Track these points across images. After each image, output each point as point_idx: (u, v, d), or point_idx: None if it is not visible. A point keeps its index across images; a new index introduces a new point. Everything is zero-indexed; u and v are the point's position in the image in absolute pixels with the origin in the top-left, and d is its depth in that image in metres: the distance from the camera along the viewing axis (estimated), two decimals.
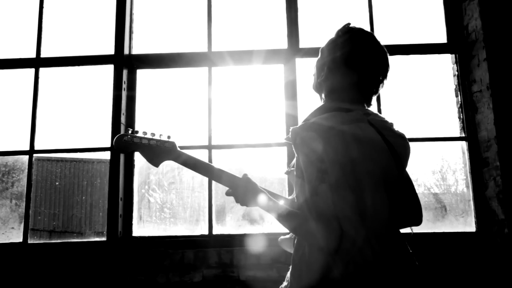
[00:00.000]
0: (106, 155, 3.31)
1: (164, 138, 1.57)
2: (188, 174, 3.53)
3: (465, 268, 2.96)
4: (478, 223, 3.16)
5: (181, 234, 3.21)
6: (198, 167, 1.55)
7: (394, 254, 1.33)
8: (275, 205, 1.38)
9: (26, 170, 3.30)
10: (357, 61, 1.44)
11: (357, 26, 1.51)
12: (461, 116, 3.36)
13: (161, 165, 1.60)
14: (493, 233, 3.07)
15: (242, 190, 1.46)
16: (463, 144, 3.34)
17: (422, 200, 3.39)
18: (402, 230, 1.55)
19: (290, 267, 1.40)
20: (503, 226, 2.97)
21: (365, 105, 1.52)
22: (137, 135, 1.53)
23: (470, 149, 3.26)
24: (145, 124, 3.43)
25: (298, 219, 1.28)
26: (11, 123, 3.54)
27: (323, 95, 1.56)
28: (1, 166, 3.47)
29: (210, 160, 3.27)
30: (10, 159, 3.48)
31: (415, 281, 1.35)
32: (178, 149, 1.57)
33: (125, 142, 1.52)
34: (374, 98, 1.56)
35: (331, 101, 1.51)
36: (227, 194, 1.53)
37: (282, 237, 1.63)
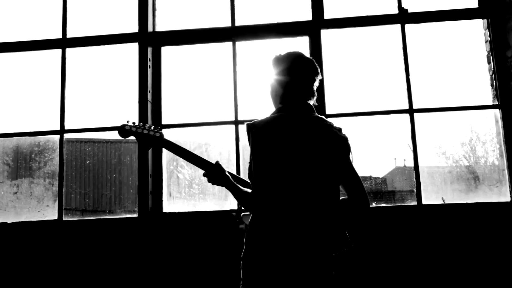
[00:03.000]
0: None
1: (155, 129, 1.97)
2: (216, 150, 3.54)
3: (499, 239, 2.90)
4: None
5: (210, 210, 3.24)
6: (180, 153, 1.95)
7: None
8: (234, 186, 1.83)
9: (58, 150, 3.37)
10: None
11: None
12: (494, 84, 3.25)
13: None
14: None
15: (213, 173, 1.88)
16: (496, 113, 3.23)
17: (454, 170, 3.33)
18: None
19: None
20: None
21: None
22: (135, 124, 1.96)
23: (504, 117, 3.16)
24: (171, 101, 3.44)
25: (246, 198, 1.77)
26: (41, 104, 3.60)
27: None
28: (34, 146, 3.55)
29: (237, 135, 3.27)
30: (42, 139, 3.56)
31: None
32: (165, 138, 1.96)
33: (124, 130, 1.93)
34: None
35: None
36: (204, 175, 1.92)
37: (243, 213, 2.02)
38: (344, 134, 1.85)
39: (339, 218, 1.75)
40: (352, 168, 1.82)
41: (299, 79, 1.84)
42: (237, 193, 1.81)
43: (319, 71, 1.89)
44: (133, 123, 1.96)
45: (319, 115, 1.85)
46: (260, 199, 1.69)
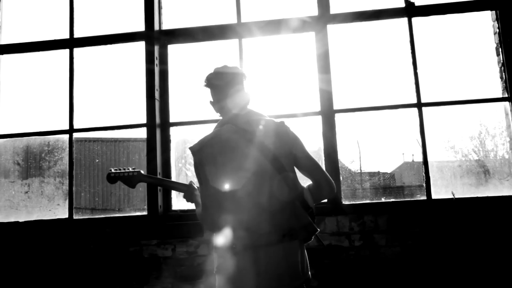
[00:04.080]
0: (142, 134, 3.36)
1: (132, 170, 2.26)
2: None
3: (510, 232, 2.88)
4: None
5: None
6: (160, 183, 2.20)
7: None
8: (196, 204, 2.04)
9: (67, 149, 3.40)
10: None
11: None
12: (504, 76, 3.22)
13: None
14: None
15: (188, 194, 2.11)
16: (506, 105, 3.21)
17: (463, 164, 3.31)
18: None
19: None
20: None
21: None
22: (116, 171, 2.27)
23: None
24: (178, 98, 3.45)
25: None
26: (50, 104, 3.63)
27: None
28: (44, 146, 3.59)
29: None
30: (51, 138, 3.59)
31: None
32: (142, 174, 2.23)
33: (110, 176, 2.22)
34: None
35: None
36: (183, 197, 2.14)
37: None
38: (287, 126, 1.92)
39: (295, 207, 1.85)
40: (307, 156, 1.89)
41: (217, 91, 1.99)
42: (196, 209, 2.03)
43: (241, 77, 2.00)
44: (115, 169, 2.29)
45: (258, 117, 1.94)
46: (206, 216, 1.87)
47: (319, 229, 1.93)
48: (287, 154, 1.85)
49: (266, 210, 1.79)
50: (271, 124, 1.89)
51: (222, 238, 1.83)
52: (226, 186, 1.81)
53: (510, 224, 2.90)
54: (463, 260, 2.90)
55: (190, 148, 1.92)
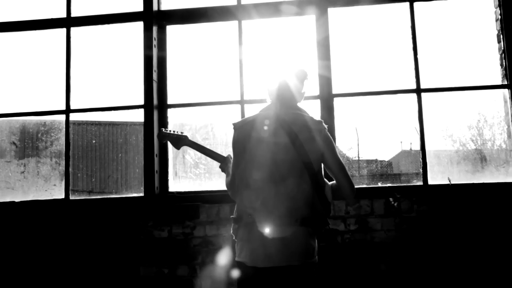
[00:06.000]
0: (140, 117, 3.32)
1: (180, 133, 2.42)
2: (222, 130, 3.54)
3: (506, 219, 2.90)
4: None
5: (216, 189, 3.25)
6: (202, 150, 2.40)
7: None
8: (227, 176, 2.23)
9: (64, 129, 3.38)
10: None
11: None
12: (504, 63, 3.20)
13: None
14: None
15: (223, 165, 2.34)
16: (505, 93, 3.19)
17: (462, 150, 3.31)
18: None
19: None
20: None
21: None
22: (166, 130, 2.42)
23: None
24: (177, 80, 3.43)
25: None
26: (47, 84, 3.60)
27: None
28: (40, 126, 3.56)
29: (243, 114, 3.26)
30: (48, 119, 3.57)
31: None
32: (189, 138, 2.41)
33: (161, 134, 2.40)
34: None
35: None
36: (219, 167, 2.37)
37: None
38: (324, 126, 2.03)
39: (314, 201, 1.96)
40: (335, 158, 2.00)
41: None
42: (226, 178, 2.22)
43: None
44: (164, 129, 2.44)
45: (300, 112, 2.06)
46: (232, 186, 2.11)
47: (330, 224, 2.05)
48: (316, 151, 1.96)
49: (285, 195, 1.91)
50: (309, 120, 2.01)
51: (241, 208, 1.99)
52: (254, 166, 1.97)
53: (505, 210, 2.91)
54: (458, 245, 2.91)
55: (233, 124, 2.10)
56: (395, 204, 2.98)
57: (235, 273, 2.00)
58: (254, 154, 1.98)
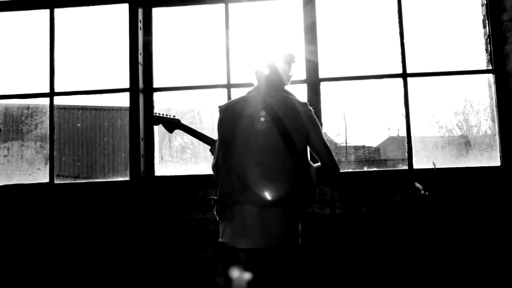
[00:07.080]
0: (125, 102, 3.28)
1: (173, 117, 2.53)
2: (208, 114, 3.52)
3: (489, 202, 2.94)
4: (503, 157, 3.10)
5: (203, 173, 3.24)
6: (193, 133, 2.50)
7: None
8: (214, 159, 2.20)
9: (48, 113, 3.33)
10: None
11: None
12: (489, 48, 3.22)
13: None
14: None
15: (213, 148, 2.38)
16: (490, 77, 3.22)
17: (447, 136, 3.34)
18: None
19: None
20: None
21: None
22: (159, 114, 2.52)
23: (498, 81, 3.15)
24: (163, 64, 3.39)
25: None
26: (31, 67, 3.54)
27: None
28: (24, 109, 3.51)
29: (229, 98, 3.24)
30: (31, 102, 3.51)
31: None
32: (181, 122, 2.53)
33: (154, 118, 2.50)
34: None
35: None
36: (209, 150, 2.45)
37: None
38: (309, 108, 2.06)
39: (299, 181, 1.96)
40: (320, 138, 2.03)
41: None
42: (213, 160, 2.19)
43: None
44: (158, 113, 2.53)
45: (287, 95, 2.09)
46: (217, 167, 2.11)
47: (313, 207, 2.08)
48: (301, 133, 1.98)
49: (267, 177, 1.90)
50: (293, 101, 2.04)
51: (223, 189, 1.99)
52: (237, 148, 1.96)
53: (488, 193, 2.95)
54: (442, 227, 2.96)
55: (219, 106, 2.11)
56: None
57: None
58: (237, 136, 1.98)
